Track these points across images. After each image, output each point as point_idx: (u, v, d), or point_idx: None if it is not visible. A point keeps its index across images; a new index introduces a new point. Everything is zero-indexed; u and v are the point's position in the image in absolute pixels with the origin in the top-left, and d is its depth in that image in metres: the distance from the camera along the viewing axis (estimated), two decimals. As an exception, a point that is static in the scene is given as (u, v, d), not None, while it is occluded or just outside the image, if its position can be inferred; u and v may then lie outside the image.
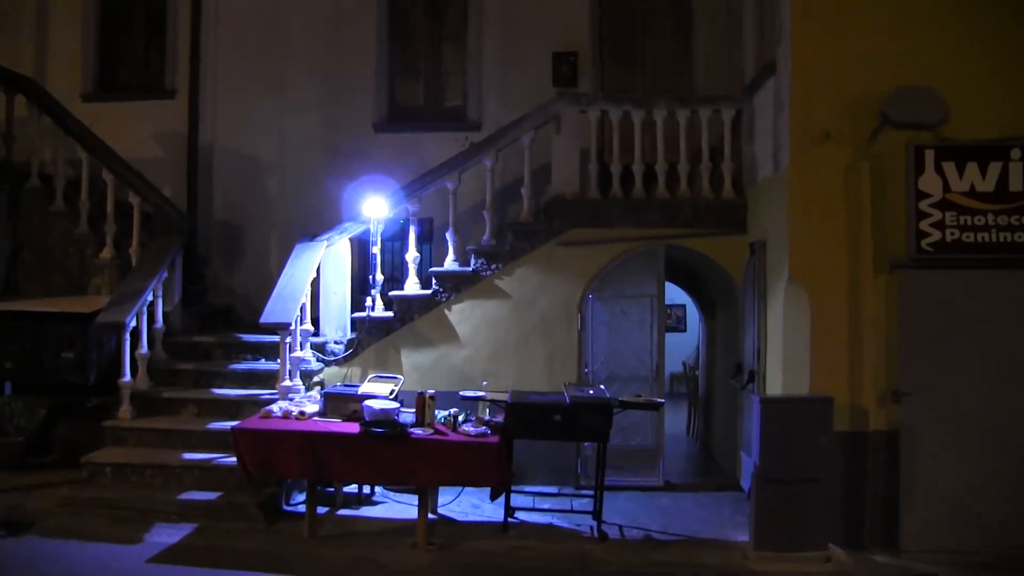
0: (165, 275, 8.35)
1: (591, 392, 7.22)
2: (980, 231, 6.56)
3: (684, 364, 13.16)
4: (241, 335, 8.85)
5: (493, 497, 6.81)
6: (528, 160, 8.60)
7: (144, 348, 7.96)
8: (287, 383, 7.65)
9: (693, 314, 13.73)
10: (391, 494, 7.77)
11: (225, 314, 9.76)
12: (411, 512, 7.08)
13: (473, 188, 8.97)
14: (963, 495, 6.62)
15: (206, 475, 7.14)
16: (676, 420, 11.60)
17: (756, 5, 8.27)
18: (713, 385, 10.47)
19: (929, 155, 6.55)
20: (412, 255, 8.66)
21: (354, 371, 8.45)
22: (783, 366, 6.99)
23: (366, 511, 7.39)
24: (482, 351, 8.46)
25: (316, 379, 8.35)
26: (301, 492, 7.34)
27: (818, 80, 6.68)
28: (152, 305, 8.15)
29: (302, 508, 7.00)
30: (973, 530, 6.61)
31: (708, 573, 6.24)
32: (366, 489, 7.70)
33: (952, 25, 6.68)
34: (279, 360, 7.74)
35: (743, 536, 6.79)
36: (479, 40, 10.19)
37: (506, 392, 7.29)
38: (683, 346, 14.22)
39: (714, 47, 9.69)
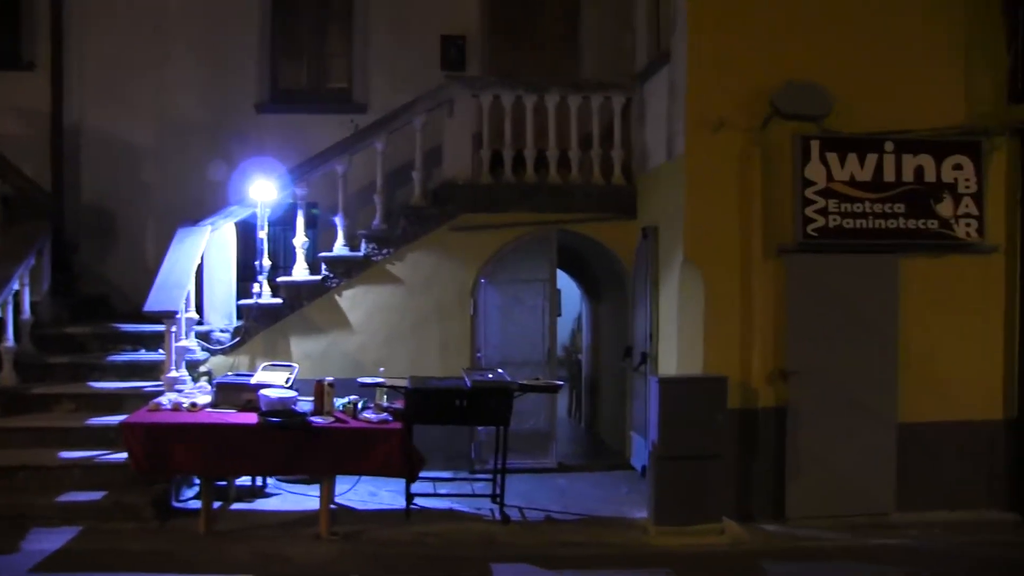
0: (32, 262, 7.70)
1: (490, 376, 7.14)
2: (859, 218, 6.90)
3: (565, 348, 13.24)
4: (119, 325, 8.26)
5: (409, 482, 6.63)
6: (420, 144, 8.41)
7: (10, 340, 7.31)
8: (173, 374, 7.20)
9: (569, 299, 13.81)
10: (285, 485, 7.45)
11: (98, 304, 9.08)
12: (308, 503, 6.83)
13: (363, 172, 8.69)
14: (840, 465, 6.95)
15: (89, 474, 6.60)
16: (558, 404, 11.66)
17: (650, -7, 8.37)
18: (599, 369, 10.60)
19: (814, 145, 6.82)
20: (300, 240, 8.33)
21: (242, 360, 8.06)
22: (678, 347, 7.12)
23: (261, 504, 7.06)
24: (376, 337, 8.23)
25: (202, 369, 7.91)
26: (191, 487, 6.93)
27: (713, 70, 6.84)
28: (18, 294, 7.49)
29: (193, 504, 6.62)
30: (850, 496, 6.97)
31: (611, 550, 6.31)
32: (259, 481, 7.35)
33: (836, 25, 7.01)
34: (162, 350, 7.28)
35: (641, 513, 6.88)
36: (366, 21, 9.85)
37: (404, 378, 7.11)
38: (560, 331, 14.26)
39: (602, 32, 9.72)
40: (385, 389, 7.00)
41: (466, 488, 7.55)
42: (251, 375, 7.07)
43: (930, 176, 6.95)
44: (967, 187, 7.01)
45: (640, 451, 7.98)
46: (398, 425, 6.45)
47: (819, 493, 6.92)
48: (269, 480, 7.40)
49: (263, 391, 6.47)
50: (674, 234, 7.17)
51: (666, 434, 6.49)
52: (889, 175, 6.91)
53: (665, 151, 7.48)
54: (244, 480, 7.26)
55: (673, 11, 7.28)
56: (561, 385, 7.65)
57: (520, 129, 8.47)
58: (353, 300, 8.24)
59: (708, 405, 6.55)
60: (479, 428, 8.09)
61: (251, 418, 6.34)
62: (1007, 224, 7.23)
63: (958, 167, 6.99)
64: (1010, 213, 7.23)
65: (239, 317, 8.31)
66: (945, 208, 6.98)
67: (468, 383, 6.80)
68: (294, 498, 7.15)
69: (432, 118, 8.45)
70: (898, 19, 7.11)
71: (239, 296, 8.41)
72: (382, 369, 7.47)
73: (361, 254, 8.29)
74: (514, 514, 6.92)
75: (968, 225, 7.04)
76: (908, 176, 6.92)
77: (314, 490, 6.74)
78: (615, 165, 8.50)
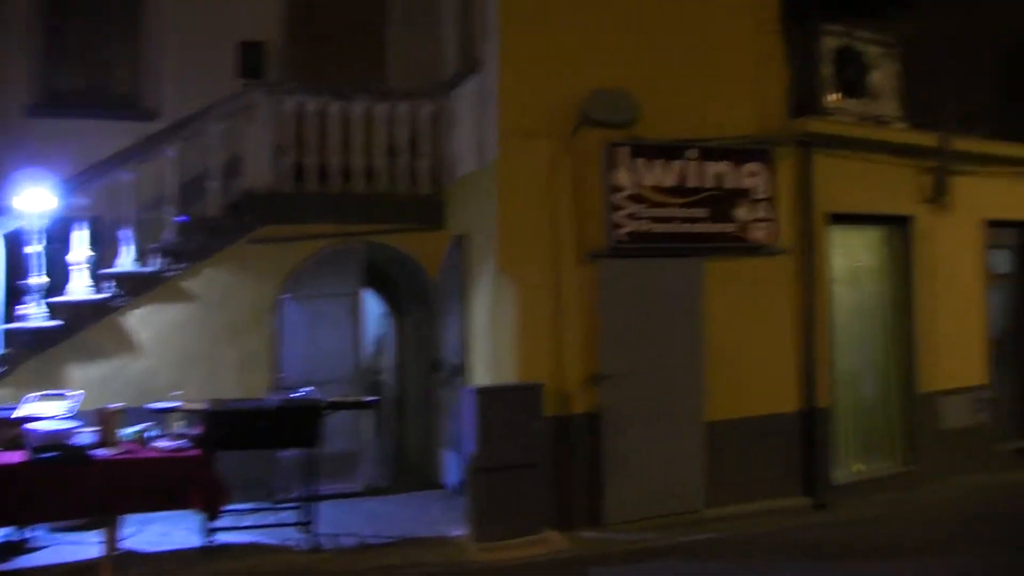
0: None
1: (297, 394, 6.57)
2: (665, 222, 6.98)
3: (369, 367, 12.68)
4: None
5: (211, 516, 5.88)
6: (217, 151, 7.72)
7: None
8: (-82, 412, 6.09)
9: (374, 315, 13.30)
10: (60, 535, 6.43)
11: None
12: (85, 552, 5.94)
13: (156, 182, 7.84)
14: (653, 466, 6.97)
15: None
16: (365, 424, 11.11)
17: (458, 2, 8.14)
18: (406, 387, 10.14)
19: (622, 152, 6.83)
20: (81, 255, 7.39)
21: (7, 392, 6.99)
22: (492, 356, 6.89)
23: (25, 561, 6.00)
24: (168, 359, 7.41)
25: (-41, 405, 6.78)
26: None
27: (525, 78, 6.73)
28: None
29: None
30: (664, 497, 7.02)
31: (431, 569, 5.94)
32: (25, 533, 6.29)
33: (644, 37, 7.13)
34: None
35: (458, 531, 6.57)
36: (158, 24, 9.01)
37: (202, 401, 6.40)
38: (366, 348, 13.72)
39: (409, 40, 9.36)
40: (180, 414, 6.26)
41: (270, 519, 6.86)
42: (14, 408, 6.10)
43: (729, 182, 7.18)
44: (761, 193, 7.29)
45: (452, 468, 7.66)
46: (196, 452, 5.76)
47: (635, 496, 6.89)
48: (37, 531, 6.35)
49: (31, 425, 5.58)
50: (485, 242, 6.95)
51: (483, 445, 6.22)
52: (693, 181, 7.06)
53: (476, 159, 7.26)
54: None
55: (484, 18, 7.11)
56: (374, 401, 7.20)
57: (325, 138, 7.98)
58: (142, 320, 7.39)
59: (524, 414, 6.37)
60: (281, 453, 7.44)
61: (18, 456, 5.44)
62: (794, 228, 7.59)
63: (753, 174, 7.26)
64: (796, 217, 7.58)
65: (7, 344, 7.23)
66: (743, 213, 7.21)
67: (273, 403, 6.23)
68: (71, 548, 6.15)
69: (232, 125, 7.79)
70: (700, 34, 7.35)
71: (8, 320, 7.33)
72: (177, 393, 6.70)
73: (151, 270, 7.47)
74: (325, 542, 6.37)
75: (762, 229, 7.32)
76: (710, 182, 7.11)
77: (96, 536, 5.85)
78: (423, 174, 8.18)
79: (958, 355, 8.81)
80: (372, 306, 10.83)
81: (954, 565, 6.07)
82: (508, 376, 6.71)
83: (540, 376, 6.62)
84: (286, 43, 9.29)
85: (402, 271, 8.87)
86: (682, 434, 7.08)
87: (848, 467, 8.08)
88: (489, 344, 6.91)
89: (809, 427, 7.58)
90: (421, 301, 8.83)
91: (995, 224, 9.29)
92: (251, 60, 9.05)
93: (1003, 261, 9.74)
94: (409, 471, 9.09)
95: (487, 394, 6.38)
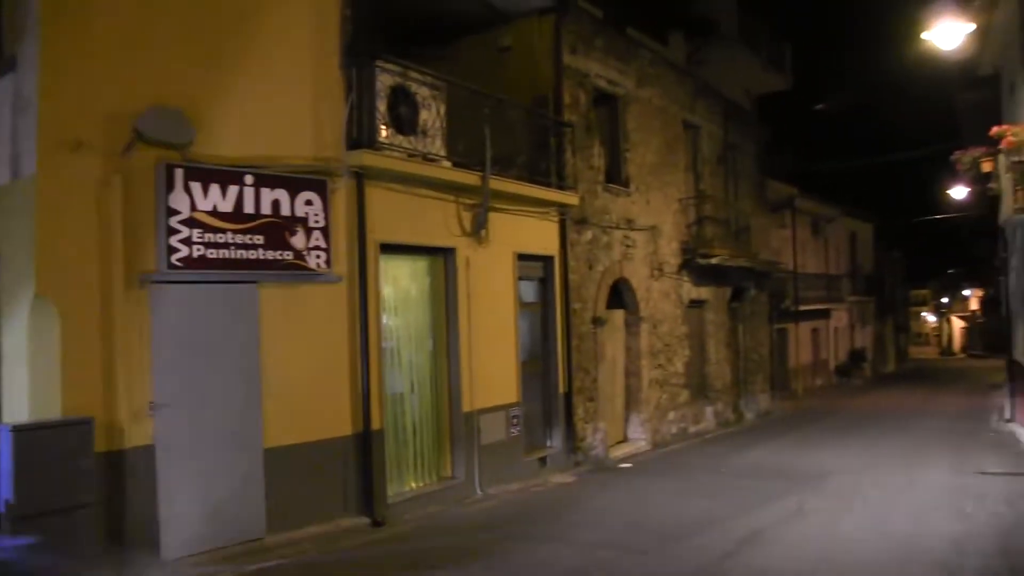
0: None
1: None
2: (222, 248, 7.40)
3: None
4: None
5: None
6: None
7: None
8: None
9: None
10: None
11: None
12: None
13: None
14: (214, 497, 7.31)
15: None
16: None
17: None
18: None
19: (178, 174, 7.14)
20: None
21: None
22: (29, 389, 6.69)
23: None
24: None
25: None
26: None
27: (71, 85, 6.69)
28: None
29: None
30: (226, 527, 7.38)
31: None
32: None
33: (205, 56, 7.49)
34: None
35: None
36: None
37: None
38: None
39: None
40: None
41: None
42: None
43: (286, 210, 7.83)
44: (317, 222, 8.06)
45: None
46: None
47: (196, 529, 7.16)
48: None
49: None
50: (22, 263, 6.75)
51: (24, 490, 6.07)
52: (249, 207, 7.58)
53: (9, 170, 7.00)
54: None
55: (25, 13, 6.90)
56: None
57: None
58: None
59: (72, 451, 6.33)
60: None
61: None
62: (348, 256, 8.48)
63: (309, 203, 8.00)
64: (350, 247, 8.49)
65: None
66: (299, 240, 7.92)
67: None
68: None
69: None
70: (265, 62, 7.94)
71: None
72: None
73: None
74: None
75: (318, 257, 8.08)
76: (267, 209, 7.69)
77: None
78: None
79: (494, 376, 10.47)
80: None
81: (493, 567, 7.35)
82: (51, 410, 6.57)
83: (89, 409, 6.62)
84: None
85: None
86: (241, 462, 7.50)
87: (402, 484, 9.20)
88: (28, 375, 6.69)
89: (365, 449, 8.45)
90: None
91: (524, 257, 11.24)
92: None
93: (530, 291, 11.79)
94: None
95: (26, 432, 6.23)
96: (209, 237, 7.31)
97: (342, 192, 8.41)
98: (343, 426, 8.41)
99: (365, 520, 8.37)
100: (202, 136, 7.30)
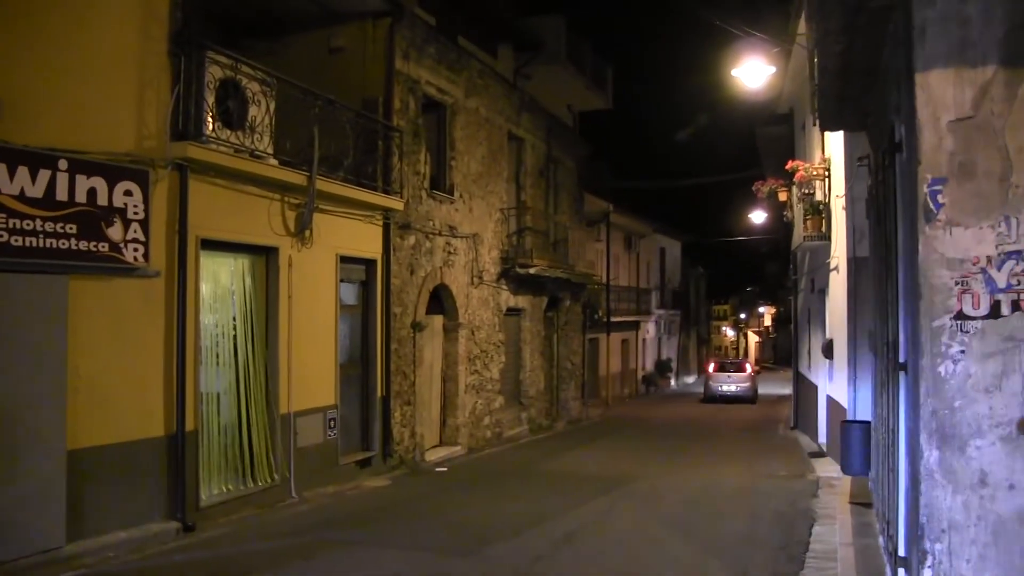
0: None
1: None
2: (28, 236, 6.94)
3: None
4: None
5: None
6: None
7: None
8: None
9: None
10: None
11: None
12: None
13: None
14: (3, 504, 6.80)
15: None
16: None
17: None
18: None
19: (-18, 155, 6.67)
20: None
21: None
22: None
23: None
24: None
25: None
26: None
27: None
28: None
29: None
30: (15, 538, 6.80)
31: None
32: None
33: (16, 32, 7.00)
34: None
35: None
36: None
37: None
38: None
39: None
40: None
41: None
42: None
43: (103, 199, 7.45)
44: (136, 213, 7.72)
45: None
46: None
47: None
48: None
49: None
50: None
51: None
52: (62, 194, 7.15)
53: None
54: None
55: None
56: None
57: None
58: None
59: None
60: None
61: None
62: (167, 251, 8.19)
63: (129, 193, 7.66)
64: (170, 241, 8.20)
65: None
66: (116, 232, 7.56)
67: None
68: None
69: None
70: (85, 40, 7.54)
71: None
72: None
73: None
74: None
75: (136, 250, 7.75)
76: (82, 197, 7.29)
77: None
78: None
79: (313, 378, 10.38)
80: None
81: (308, 572, 7.29)
82: None
83: None
84: None
85: None
86: (39, 465, 7.01)
87: (217, 487, 8.94)
88: None
89: (178, 450, 8.16)
90: None
91: (347, 260, 11.20)
92: None
93: (352, 293, 11.75)
94: None
95: None
96: (14, 223, 6.84)
97: (164, 184, 8.11)
98: (155, 427, 8.09)
99: (176, 525, 8.07)
100: (11, 115, 6.82)
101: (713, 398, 28.74)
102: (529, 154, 18.28)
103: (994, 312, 4.14)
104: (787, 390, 24.64)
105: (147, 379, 8.04)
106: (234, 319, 9.46)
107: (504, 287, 16.72)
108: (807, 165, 13.43)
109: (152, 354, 8.10)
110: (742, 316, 75.22)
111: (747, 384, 28.98)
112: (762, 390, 31.26)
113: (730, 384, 28.97)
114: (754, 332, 76.50)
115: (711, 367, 31.30)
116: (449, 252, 14.30)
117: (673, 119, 72.44)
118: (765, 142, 20.18)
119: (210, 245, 8.78)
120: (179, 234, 8.26)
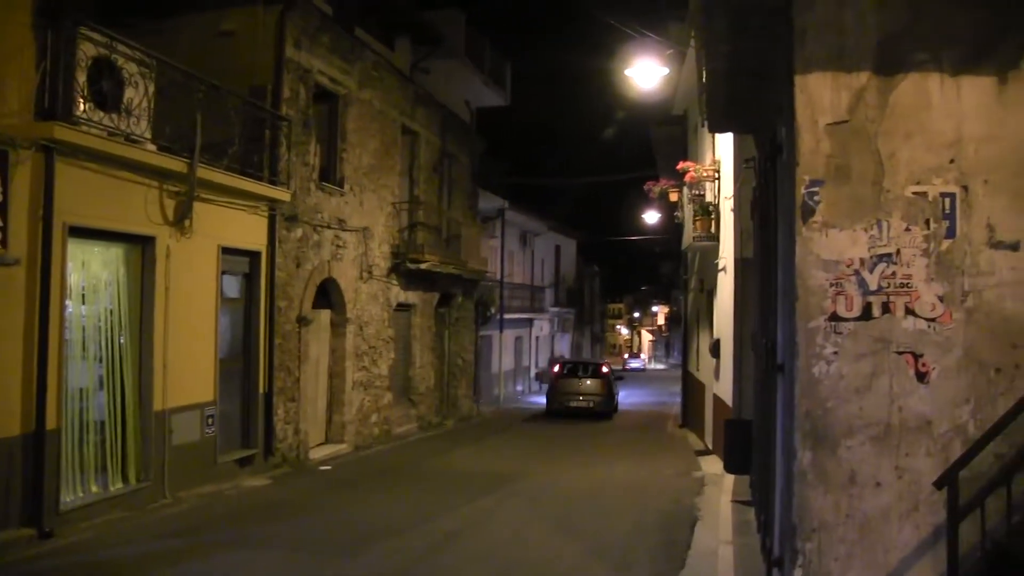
0: None
1: None
2: None
3: None
4: None
5: None
6: None
7: None
8: None
9: None
10: None
11: None
12: None
13: None
14: None
15: None
16: None
17: None
18: None
19: None
20: None
21: None
22: None
23: None
24: None
25: None
26: None
27: None
28: None
29: None
30: None
31: None
32: None
33: None
34: None
35: None
36: None
37: None
38: None
39: None
40: None
41: None
42: None
43: (-44, 181, 6.97)
44: (-6, 197, 7.25)
45: None
46: None
47: None
48: None
49: None
50: None
51: None
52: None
53: None
54: None
55: None
56: None
57: None
58: None
59: None
60: None
61: None
62: (30, 237, 7.70)
63: (-15, 175, 7.18)
64: (33, 226, 7.71)
65: None
66: (-29, 216, 7.08)
67: None
68: None
69: None
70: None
71: None
72: None
73: None
74: None
75: (-6, 236, 7.27)
76: (-69, 178, 6.81)
77: None
78: None
79: (190, 373, 9.95)
80: None
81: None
82: None
83: None
84: None
85: None
86: None
87: (82, 489, 8.43)
88: None
89: (36, 451, 7.66)
90: None
91: (230, 251, 10.80)
92: None
93: (234, 286, 11.35)
94: None
95: None
96: None
97: (27, 166, 7.62)
98: (11, 426, 7.57)
99: (31, 531, 7.56)
100: None
101: (559, 412, 21.95)
102: (423, 148, 18.07)
103: (866, 314, 4.21)
104: (675, 396, 24.80)
105: (2, 374, 7.54)
106: (108, 311, 8.99)
107: (395, 282, 16.48)
108: (697, 166, 13.66)
109: (10, 347, 7.59)
110: (636, 315, 76.66)
111: (598, 395, 22.02)
112: (641, 397, 30.67)
113: (578, 399, 21.98)
114: (648, 331, 78.06)
115: (555, 369, 24.30)
116: (338, 246, 14.00)
117: (572, 118, 73.14)
118: (659, 143, 20.50)
119: (80, 232, 8.30)
120: (43, 220, 7.77)
